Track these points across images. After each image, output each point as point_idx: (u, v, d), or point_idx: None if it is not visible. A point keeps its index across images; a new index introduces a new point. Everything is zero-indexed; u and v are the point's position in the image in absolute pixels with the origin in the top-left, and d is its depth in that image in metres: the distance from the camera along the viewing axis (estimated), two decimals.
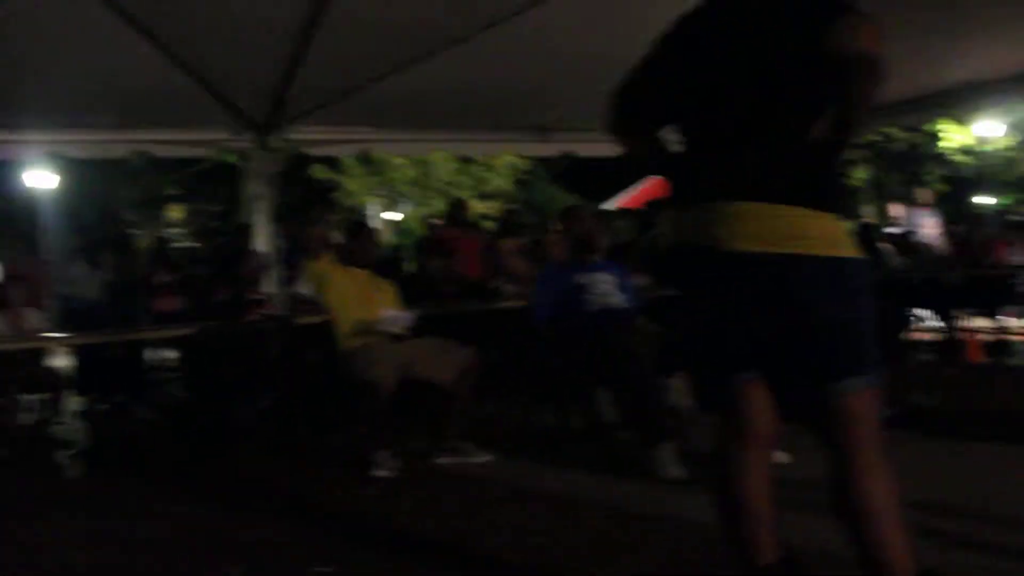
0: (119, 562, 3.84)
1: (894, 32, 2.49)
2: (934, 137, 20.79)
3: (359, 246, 5.84)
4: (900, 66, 3.50)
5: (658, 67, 2.51)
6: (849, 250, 2.32)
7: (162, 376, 9.85)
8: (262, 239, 8.07)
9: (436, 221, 13.28)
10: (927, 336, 10.04)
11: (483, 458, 5.20)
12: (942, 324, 9.56)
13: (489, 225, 13.83)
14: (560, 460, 5.18)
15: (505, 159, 21.87)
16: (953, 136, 20.58)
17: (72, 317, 8.54)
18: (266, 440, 6.44)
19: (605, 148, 8.95)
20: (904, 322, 9.50)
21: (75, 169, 20.30)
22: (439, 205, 21.52)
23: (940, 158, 22.08)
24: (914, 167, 23.06)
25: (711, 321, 2.42)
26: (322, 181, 22.10)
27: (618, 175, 17.33)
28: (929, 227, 10.95)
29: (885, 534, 2.23)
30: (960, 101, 8.23)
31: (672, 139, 2.58)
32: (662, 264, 2.56)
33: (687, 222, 2.40)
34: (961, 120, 17.60)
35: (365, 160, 21.02)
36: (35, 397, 7.29)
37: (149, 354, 9.25)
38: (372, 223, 22.76)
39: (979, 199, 21.71)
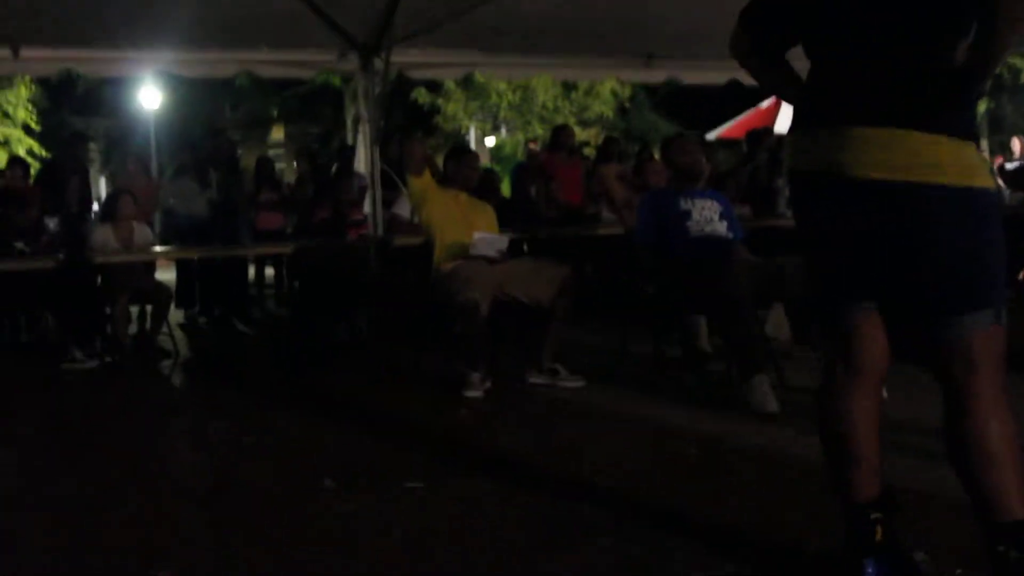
0: (218, 466, 3.98)
1: None
2: None
3: (460, 169, 5.86)
4: None
5: None
6: (983, 180, 2.22)
7: (262, 292, 10.14)
8: (363, 161, 8.16)
9: (533, 146, 13.24)
10: None
11: (576, 382, 5.22)
12: None
13: (590, 152, 13.72)
14: (653, 388, 5.17)
15: (607, 86, 21.58)
16: None
17: (178, 232, 8.79)
18: (361, 358, 6.57)
19: (710, 75, 8.81)
20: (1019, 259, 9.20)
21: (183, 89, 20.76)
22: (539, 130, 21.41)
23: None
24: None
25: (832, 249, 2.36)
26: (424, 105, 22.14)
27: (720, 105, 17.02)
28: None
29: (1004, 478, 2.16)
30: None
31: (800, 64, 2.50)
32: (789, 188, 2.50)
33: (812, 147, 2.33)
34: None
35: (466, 84, 20.97)
36: (141, 309, 7.57)
37: (252, 270, 9.49)
38: (472, 147, 22.84)
39: None
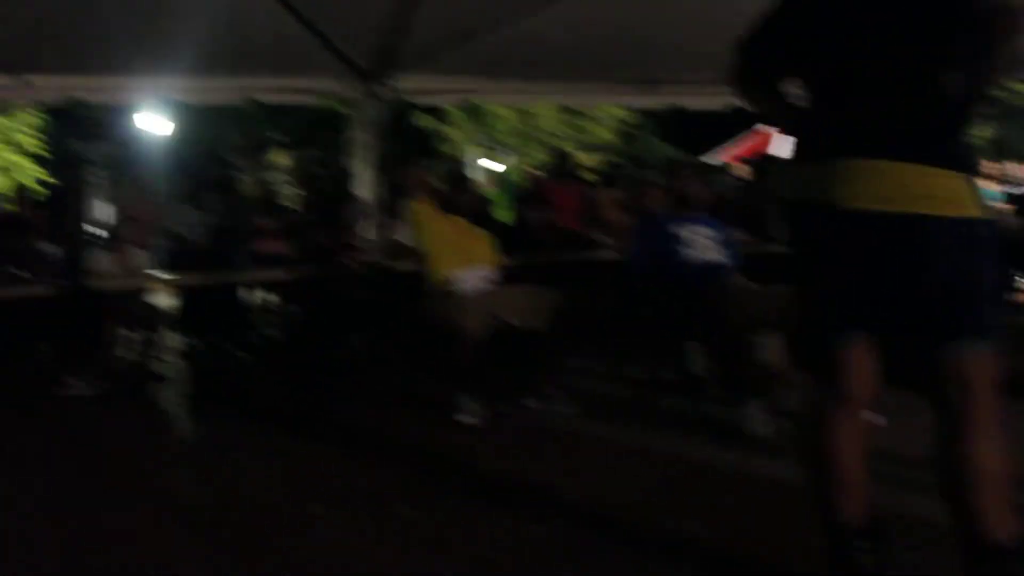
0: (209, 490, 3.99)
1: None
2: None
3: (459, 194, 5.90)
4: None
5: (786, 17, 2.46)
6: (976, 210, 2.25)
7: (260, 318, 10.13)
8: (364, 187, 8.19)
9: (536, 172, 13.27)
10: None
11: (570, 408, 5.23)
12: None
13: (592, 177, 13.78)
14: (648, 413, 5.17)
15: (610, 111, 21.68)
16: None
17: (177, 258, 8.80)
18: (357, 383, 6.58)
19: (712, 101, 8.84)
20: (1010, 284, 9.21)
21: (184, 114, 20.84)
22: (541, 156, 21.48)
23: None
24: None
25: (825, 279, 2.39)
26: (425, 130, 22.24)
27: (724, 129, 17.08)
28: None
29: (992, 501, 2.18)
30: None
31: (796, 93, 2.53)
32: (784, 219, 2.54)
33: (808, 177, 2.37)
34: None
35: (469, 110, 21.07)
36: (137, 334, 7.56)
37: (249, 296, 9.50)
38: (473, 173, 22.89)
39: None
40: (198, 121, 21.92)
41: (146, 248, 7.96)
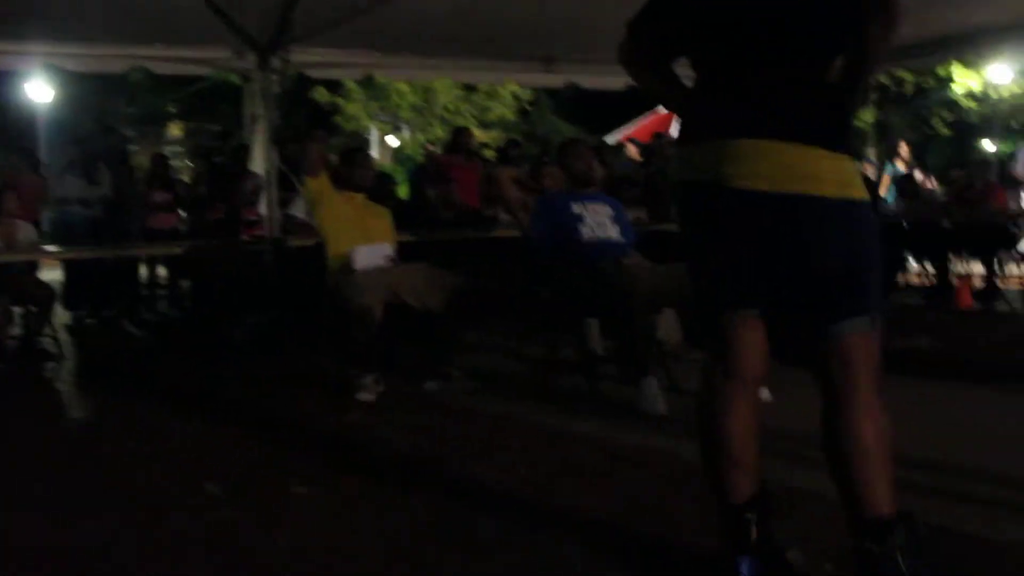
0: (100, 470, 3.88)
1: None
2: (942, 81, 20.59)
3: (353, 170, 5.82)
4: (915, 8, 3.48)
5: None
6: (860, 192, 2.31)
7: (153, 293, 9.91)
8: (260, 160, 8.05)
9: (430, 147, 13.19)
10: (917, 280, 10.11)
11: (470, 386, 5.24)
12: (932, 269, 9.62)
13: (490, 154, 13.77)
14: (547, 391, 5.22)
15: (508, 88, 21.67)
16: (962, 81, 20.39)
17: (66, 231, 8.54)
18: (253, 360, 6.48)
19: (609, 80, 8.92)
20: (897, 265, 9.55)
21: (75, 83, 20.15)
22: (440, 132, 21.39)
23: (947, 102, 21.91)
24: (920, 110, 22.90)
25: (715, 257, 2.42)
26: (324, 105, 21.93)
27: (622, 108, 17.22)
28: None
29: (873, 475, 2.25)
30: (972, 45, 8.17)
31: (686, 74, 2.55)
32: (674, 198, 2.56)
33: (696, 158, 2.39)
34: (972, 65, 17.45)
35: (367, 84, 20.83)
36: (24, 310, 7.32)
37: (142, 271, 9.26)
38: (372, 148, 22.69)
39: (983, 144, 21.65)
40: (88, 90, 21.23)
41: (33, 221, 7.71)
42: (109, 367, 6.85)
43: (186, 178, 11.88)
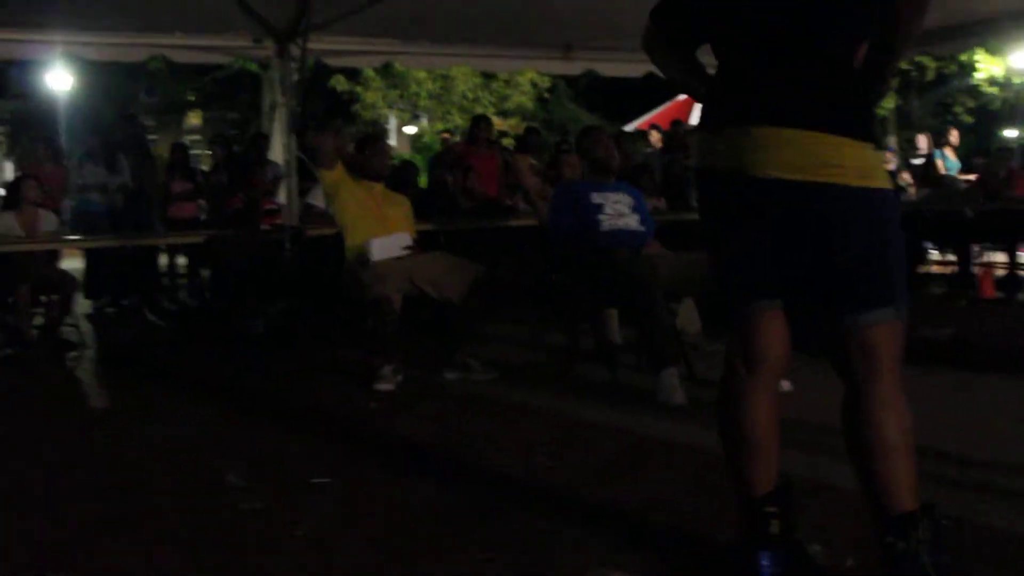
0: (122, 460, 3.90)
1: None
2: (963, 68, 20.42)
3: (369, 158, 5.79)
4: None
5: None
6: (883, 181, 2.29)
7: (173, 282, 9.96)
8: (279, 149, 8.05)
9: (447, 136, 13.14)
10: (939, 269, 10.03)
11: (489, 375, 5.23)
12: (955, 258, 9.54)
13: (508, 143, 13.74)
14: (566, 381, 5.21)
15: (527, 76, 21.61)
16: (984, 67, 20.21)
17: (87, 220, 8.58)
18: (273, 349, 6.50)
19: (628, 68, 8.87)
20: (918, 255, 9.48)
21: (94, 72, 20.23)
22: (459, 120, 21.35)
23: (970, 89, 21.73)
24: (942, 98, 22.73)
25: (737, 246, 2.40)
26: (342, 93, 21.93)
27: (640, 97, 17.17)
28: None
29: (896, 468, 2.22)
30: (996, 31, 8.08)
31: (709, 62, 2.53)
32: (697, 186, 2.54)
33: (718, 145, 2.37)
34: (995, 51, 17.30)
35: (386, 73, 20.82)
36: (46, 298, 7.36)
37: (162, 260, 9.29)
38: (390, 137, 22.68)
39: (1006, 132, 21.46)
40: (106, 79, 21.32)
41: (54, 210, 7.74)
42: (129, 356, 6.88)
43: (205, 167, 11.91)
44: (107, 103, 21.39)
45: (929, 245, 10.00)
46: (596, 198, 5.29)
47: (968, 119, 21.94)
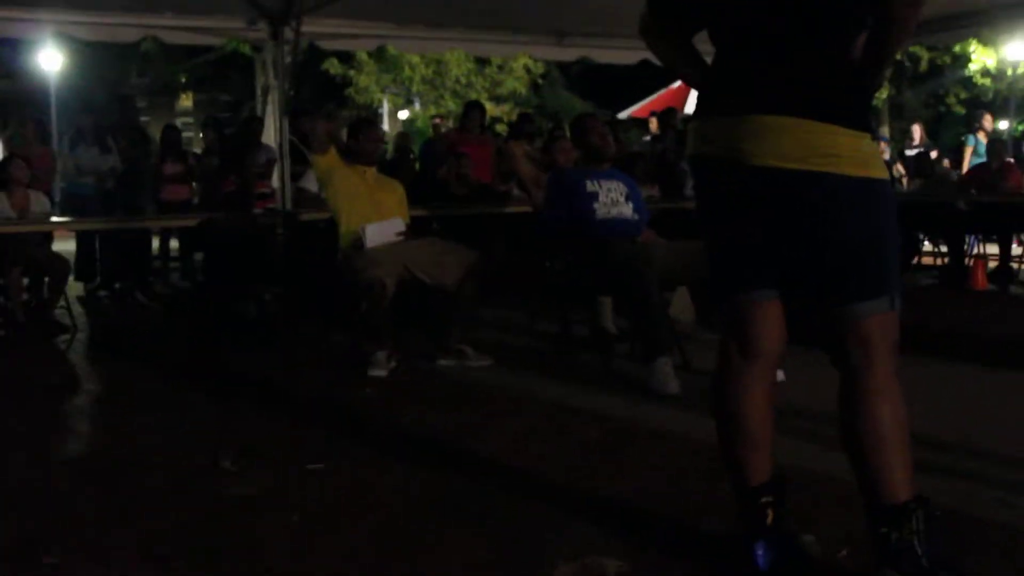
0: (114, 444, 3.89)
1: None
2: (957, 58, 20.44)
3: (363, 143, 5.76)
4: None
5: None
6: (878, 171, 2.28)
7: (166, 265, 9.92)
8: (272, 132, 8.01)
9: (439, 121, 13.09)
10: (931, 261, 10.05)
11: (483, 362, 5.22)
12: (945, 249, 9.56)
13: (502, 128, 13.71)
14: (559, 368, 5.20)
15: (520, 62, 21.56)
16: (977, 58, 20.23)
17: (78, 202, 8.53)
18: (266, 334, 6.48)
19: (622, 55, 8.85)
20: (911, 246, 9.49)
21: (86, 52, 20.13)
22: (452, 105, 21.30)
23: (963, 80, 21.75)
24: (935, 88, 22.76)
25: (732, 235, 2.39)
26: (335, 77, 21.85)
27: (634, 84, 17.15)
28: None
29: (890, 459, 2.23)
30: (990, 22, 8.09)
31: (705, 50, 2.52)
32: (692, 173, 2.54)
33: (714, 133, 2.36)
34: (989, 42, 17.32)
35: (379, 57, 20.74)
36: (37, 281, 7.32)
37: (154, 243, 9.24)
38: (383, 121, 22.61)
39: (999, 123, 21.49)
40: (98, 60, 21.21)
41: (44, 190, 7.69)
42: (121, 339, 6.86)
43: (197, 149, 11.85)
44: (99, 84, 21.28)
45: (921, 236, 10.02)
46: (590, 186, 5.28)
47: (960, 110, 21.98)
